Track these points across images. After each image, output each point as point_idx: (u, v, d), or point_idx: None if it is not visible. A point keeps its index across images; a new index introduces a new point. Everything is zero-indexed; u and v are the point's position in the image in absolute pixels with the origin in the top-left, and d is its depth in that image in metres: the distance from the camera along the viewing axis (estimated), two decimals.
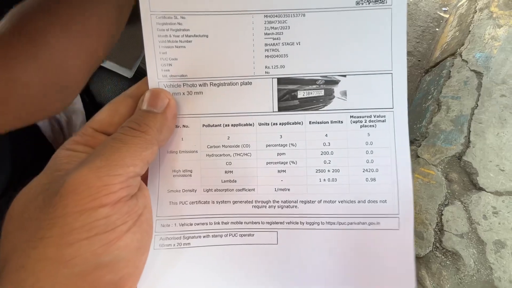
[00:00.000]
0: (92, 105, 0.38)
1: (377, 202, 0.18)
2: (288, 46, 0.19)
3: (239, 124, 0.19)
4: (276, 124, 0.19)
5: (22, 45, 0.20)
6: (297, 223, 0.19)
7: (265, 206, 0.19)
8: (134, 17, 0.33)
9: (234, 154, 0.19)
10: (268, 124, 0.19)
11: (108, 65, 0.33)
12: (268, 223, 0.19)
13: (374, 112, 0.19)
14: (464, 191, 0.62)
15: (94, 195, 0.14)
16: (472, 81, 0.74)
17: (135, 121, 0.16)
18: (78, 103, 0.35)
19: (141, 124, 0.16)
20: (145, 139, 0.16)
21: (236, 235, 0.19)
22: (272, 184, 0.19)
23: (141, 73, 0.38)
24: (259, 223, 0.19)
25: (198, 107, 0.19)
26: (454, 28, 0.94)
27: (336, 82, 0.19)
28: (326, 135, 0.19)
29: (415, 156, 0.72)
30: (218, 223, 0.19)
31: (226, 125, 0.19)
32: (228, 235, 0.19)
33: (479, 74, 0.74)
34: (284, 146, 0.19)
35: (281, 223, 0.19)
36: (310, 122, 0.19)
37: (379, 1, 0.18)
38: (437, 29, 1.07)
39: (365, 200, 0.18)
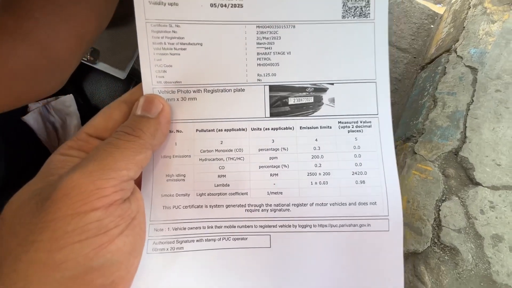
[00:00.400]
0: (86, 107, 0.38)
1: (367, 204, 0.19)
2: (279, 55, 0.20)
3: (232, 129, 0.19)
4: (268, 129, 0.20)
5: (10, 22, 0.20)
6: (289, 226, 0.19)
7: (258, 210, 0.19)
8: (127, 18, 0.33)
9: (227, 158, 0.19)
10: (261, 129, 0.20)
11: (101, 66, 0.33)
12: (261, 226, 0.19)
13: (361, 118, 0.20)
14: (461, 186, 0.62)
15: (87, 198, 0.14)
16: (467, 77, 0.74)
17: (129, 125, 0.17)
18: (72, 106, 0.35)
19: (135, 129, 0.16)
20: (138, 144, 0.16)
21: (229, 239, 0.19)
22: (264, 188, 0.19)
23: (134, 74, 0.38)
24: (252, 227, 0.19)
25: (192, 112, 0.19)
26: (448, 24, 0.94)
27: (324, 90, 0.20)
28: (316, 140, 0.20)
29: (412, 153, 0.72)
30: (212, 227, 0.19)
31: (219, 130, 0.19)
32: (221, 239, 0.19)
33: (474, 70, 0.74)
34: (276, 150, 0.19)
35: (274, 226, 0.19)
36: (300, 127, 0.20)
37: (363, 15, 0.20)
38: (432, 26, 1.08)
39: (355, 203, 0.19)
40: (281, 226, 0.19)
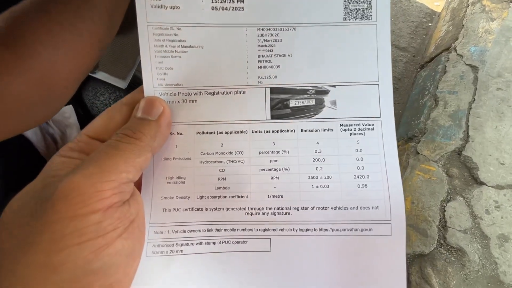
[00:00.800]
0: (86, 117, 0.37)
1: (369, 209, 0.19)
2: (280, 58, 0.19)
3: (233, 132, 0.19)
4: (269, 132, 0.19)
5: (9, 57, 0.20)
6: (290, 230, 0.19)
7: (258, 213, 0.19)
8: (128, 27, 0.32)
9: (228, 161, 0.19)
10: (261, 132, 0.19)
11: (102, 76, 0.32)
12: (261, 230, 0.19)
13: (363, 121, 0.19)
14: (465, 186, 0.62)
15: (86, 201, 0.14)
16: (468, 75, 0.74)
17: (129, 128, 0.17)
18: (72, 117, 0.34)
19: (135, 131, 0.16)
20: (139, 146, 0.16)
21: (229, 242, 0.19)
22: (265, 191, 0.19)
23: (135, 83, 0.37)
24: (252, 230, 0.19)
25: (192, 115, 0.19)
26: (447, 22, 0.94)
27: (326, 92, 0.20)
28: (318, 143, 0.19)
29: (415, 153, 0.72)
30: (211, 230, 0.19)
31: (219, 133, 0.19)
32: (221, 242, 0.19)
33: (474, 68, 0.74)
34: (277, 153, 0.19)
35: (274, 230, 0.19)
36: (302, 130, 0.19)
37: (365, 17, 0.19)
38: (430, 24, 1.07)
39: (357, 207, 0.19)
40: (281, 230, 0.19)
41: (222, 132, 0.19)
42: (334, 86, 0.20)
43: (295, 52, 0.19)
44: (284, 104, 0.19)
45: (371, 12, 0.19)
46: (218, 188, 0.19)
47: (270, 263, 0.18)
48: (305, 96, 0.20)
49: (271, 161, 0.19)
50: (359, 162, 0.19)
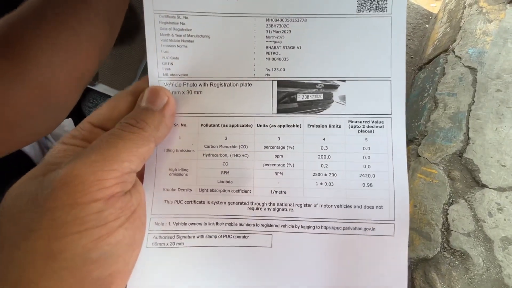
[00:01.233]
0: None
1: (373, 208, 0.18)
2: (289, 50, 0.19)
3: (238, 125, 0.19)
4: (275, 126, 0.19)
5: (7, 65, 0.19)
6: (292, 226, 0.19)
7: (261, 208, 0.19)
8: (128, 39, 0.32)
9: (231, 155, 0.19)
10: (267, 126, 0.19)
11: (101, 88, 0.31)
12: (263, 225, 0.19)
13: (372, 118, 0.19)
14: (467, 188, 0.62)
15: (87, 189, 0.13)
16: (467, 77, 0.74)
17: (133, 117, 0.16)
18: (70, 129, 0.33)
19: (139, 121, 0.16)
20: (142, 136, 0.16)
21: (230, 236, 0.18)
22: (268, 186, 0.19)
23: None
24: (254, 225, 0.19)
25: (197, 106, 0.19)
26: (444, 24, 0.94)
27: (335, 87, 0.19)
28: (324, 139, 0.19)
29: (416, 156, 0.72)
30: (213, 223, 0.18)
31: (224, 125, 0.19)
32: (222, 236, 0.18)
33: (473, 70, 0.74)
34: (281, 148, 0.19)
35: (276, 226, 0.19)
36: (308, 125, 0.19)
37: (379, 9, 0.19)
38: (427, 26, 1.08)
39: (361, 206, 0.18)
40: (283, 226, 0.19)
41: (226, 125, 0.19)
42: (344, 80, 0.19)
43: (304, 44, 0.19)
44: (291, 98, 0.19)
45: (386, 3, 0.19)
46: (220, 182, 0.19)
47: (271, 259, 0.18)
48: (313, 90, 0.19)
49: (275, 156, 0.19)
50: (366, 160, 0.19)
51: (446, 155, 0.67)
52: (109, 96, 0.32)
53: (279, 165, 0.19)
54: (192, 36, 0.19)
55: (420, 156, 0.70)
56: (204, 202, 0.18)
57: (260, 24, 0.19)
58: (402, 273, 0.18)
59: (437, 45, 0.91)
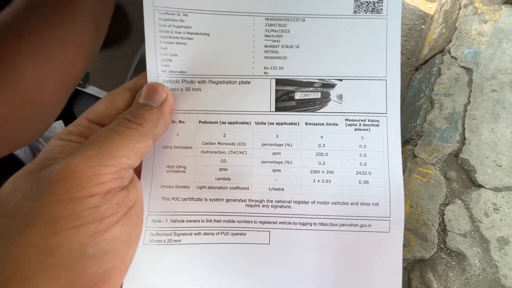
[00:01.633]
0: None
1: (369, 205, 0.19)
2: (287, 49, 0.19)
3: (236, 122, 0.19)
4: (273, 124, 0.19)
5: None
6: (290, 223, 0.19)
7: (259, 206, 0.19)
8: (118, 41, 0.32)
9: (230, 152, 0.19)
10: (265, 123, 0.19)
11: (92, 90, 0.31)
12: (261, 222, 0.19)
13: (368, 116, 0.19)
14: (463, 189, 0.62)
15: (84, 184, 0.13)
16: (462, 78, 0.74)
17: (131, 113, 0.16)
18: None
19: (137, 117, 0.16)
20: (140, 132, 0.16)
21: (228, 233, 0.18)
22: (266, 183, 0.19)
23: None
24: (251, 222, 0.19)
25: (195, 103, 0.19)
26: (440, 25, 0.95)
27: (332, 86, 0.19)
28: (321, 137, 0.19)
29: (412, 156, 0.72)
30: (210, 221, 0.18)
31: (222, 123, 0.19)
32: (220, 234, 0.18)
33: (469, 70, 0.75)
34: (279, 146, 0.19)
35: (274, 223, 0.19)
36: (306, 123, 0.19)
37: (375, 11, 0.19)
38: (423, 27, 1.08)
39: (357, 203, 0.19)
40: (281, 223, 0.19)
41: (225, 122, 0.19)
42: (341, 80, 0.19)
43: (302, 44, 0.19)
44: (289, 96, 0.19)
45: (382, 6, 0.19)
46: (218, 179, 0.19)
47: (269, 256, 0.18)
48: (311, 89, 0.19)
49: (273, 153, 0.19)
50: (362, 158, 0.19)
51: (442, 155, 0.67)
52: (99, 99, 0.32)
53: (277, 162, 0.19)
54: (191, 33, 0.19)
55: (416, 156, 0.70)
56: (202, 199, 0.18)
57: (259, 23, 0.19)
58: (397, 268, 0.18)
59: (433, 46, 0.91)
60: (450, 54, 0.80)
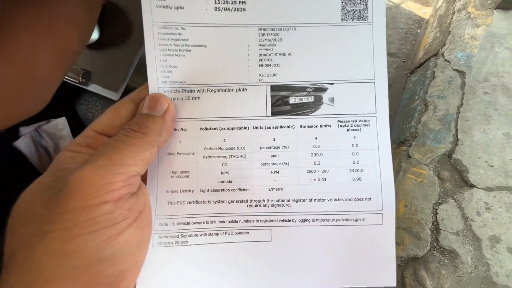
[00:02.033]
0: (79, 129, 0.37)
1: (362, 200, 0.20)
2: (280, 56, 0.20)
3: (235, 128, 0.20)
4: (270, 128, 0.20)
5: None
6: (289, 220, 0.20)
7: (260, 205, 0.20)
8: (120, 40, 0.33)
9: (230, 156, 0.20)
10: (262, 128, 0.20)
11: (94, 88, 0.32)
12: (262, 221, 0.20)
13: (359, 117, 0.20)
14: (456, 188, 0.63)
15: (97, 192, 0.14)
16: (455, 80, 0.76)
17: (136, 123, 0.17)
18: (65, 129, 0.34)
19: (142, 126, 0.17)
20: (145, 141, 0.17)
21: (231, 233, 0.19)
22: (266, 184, 0.20)
23: (129, 92, 0.37)
24: (253, 221, 0.20)
25: (195, 111, 0.20)
26: (434, 29, 0.97)
27: (324, 90, 0.20)
28: (316, 138, 0.20)
29: (406, 157, 0.73)
30: (215, 222, 0.19)
31: (222, 129, 0.20)
32: (224, 233, 0.19)
33: (462, 73, 0.76)
34: (277, 148, 0.20)
35: (274, 221, 0.20)
36: (301, 126, 0.20)
37: (361, 18, 0.20)
38: (418, 31, 1.10)
39: (352, 198, 0.20)
40: (281, 221, 0.20)
41: (224, 128, 0.20)
42: (332, 83, 0.20)
43: (294, 51, 0.20)
44: (284, 101, 0.20)
45: (367, 13, 0.20)
46: (221, 182, 0.20)
47: (271, 252, 0.19)
48: (304, 93, 0.20)
49: (271, 156, 0.20)
50: (355, 156, 0.20)
51: (435, 156, 0.68)
52: (102, 96, 0.33)
53: (275, 164, 0.20)
54: (189, 45, 0.19)
55: (410, 157, 0.72)
56: (205, 201, 0.19)
57: (253, 33, 0.20)
58: (391, 258, 0.19)
59: (427, 50, 0.93)
60: (444, 58, 0.82)
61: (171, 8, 0.19)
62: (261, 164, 0.20)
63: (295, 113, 0.20)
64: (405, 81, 0.97)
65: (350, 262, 0.19)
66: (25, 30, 0.21)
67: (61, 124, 0.34)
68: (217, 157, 0.20)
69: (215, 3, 0.19)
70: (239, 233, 0.19)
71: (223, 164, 0.20)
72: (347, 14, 0.20)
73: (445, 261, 0.57)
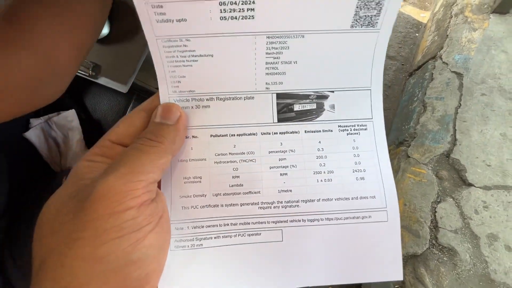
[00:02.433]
0: (88, 121, 0.38)
1: (367, 198, 0.21)
2: (286, 65, 0.21)
3: (244, 134, 0.21)
4: (277, 133, 0.21)
5: (13, 32, 0.21)
6: (299, 220, 0.20)
7: (270, 207, 0.20)
8: (128, 35, 0.34)
9: (240, 161, 0.20)
10: (270, 134, 0.21)
11: (103, 81, 0.33)
12: (273, 222, 0.20)
13: (358, 122, 0.21)
14: (454, 187, 0.64)
15: (122, 199, 0.15)
16: (453, 82, 0.78)
17: (151, 132, 0.18)
18: (75, 121, 0.35)
19: (157, 135, 0.18)
20: (161, 149, 0.17)
21: (244, 234, 0.20)
22: (275, 187, 0.20)
23: (135, 88, 0.38)
24: (265, 223, 0.20)
25: (206, 119, 0.20)
26: (432, 33, 0.98)
27: (326, 97, 0.21)
28: (320, 142, 0.21)
29: (406, 156, 0.74)
30: (228, 224, 0.20)
31: (232, 135, 0.21)
32: (237, 235, 0.20)
33: (459, 75, 0.78)
34: (284, 152, 0.21)
35: (285, 221, 0.20)
36: (305, 131, 0.21)
37: (370, 25, 0.20)
38: (417, 34, 1.12)
39: (357, 197, 0.21)
40: (291, 221, 0.20)
41: (234, 135, 0.21)
42: (332, 91, 0.21)
43: (300, 59, 0.21)
44: (289, 108, 0.21)
45: (378, 19, 0.20)
46: (232, 186, 0.20)
47: (283, 252, 0.20)
48: (307, 100, 0.21)
49: (279, 159, 0.21)
50: (356, 158, 0.21)
51: (434, 155, 0.69)
52: (110, 89, 0.34)
53: (284, 167, 0.21)
54: (195, 56, 0.20)
55: (409, 157, 0.73)
56: (218, 205, 0.20)
57: (260, 41, 0.20)
58: (398, 253, 0.20)
59: (426, 53, 0.95)
60: (442, 60, 0.83)
61: (173, 22, 0.19)
62: (270, 168, 0.20)
63: (300, 119, 0.21)
64: (404, 83, 0.99)
65: (358, 258, 0.20)
66: (47, 23, 0.22)
67: (70, 116, 0.35)
68: (228, 162, 0.20)
69: (221, 12, 0.19)
70: (251, 234, 0.20)
71: (234, 169, 0.20)
72: (358, 20, 0.20)
73: (444, 258, 0.57)
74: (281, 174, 0.20)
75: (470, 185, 0.63)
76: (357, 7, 0.19)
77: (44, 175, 0.35)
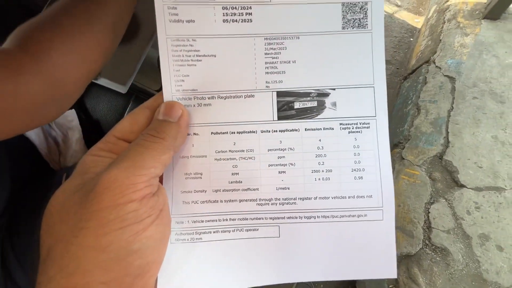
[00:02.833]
0: (88, 121, 0.39)
1: (364, 197, 0.21)
2: (285, 64, 0.21)
3: (244, 132, 0.21)
4: (276, 131, 0.21)
5: (28, 61, 0.22)
6: (296, 217, 0.21)
7: (268, 204, 0.21)
8: (128, 37, 0.35)
9: (240, 158, 0.21)
10: (269, 131, 0.21)
11: (103, 82, 0.34)
12: (271, 218, 0.21)
13: (360, 120, 0.21)
14: (447, 188, 0.65)
15: (124, 191, 0.16)
16: (446, 86, 0.79)
17: (154, 129, 0.19)
18: (74, 120, 0.36)
19: (160, 132, 0.18)
20: (163, 145, 0.18)
21: (242, 230, 0.21)
22: (273, 184, 0.21)
23: (134, 89, 0.39)
24: (262, 219, 0.21)
25: (207, 117, 0.21)
26: (426, 37, 1.01)
27: (327, 95, 0.21)
28: (320, 140, 0.21)
29: (400, 158, 0.75)
30: (226, 219, 0.21)
31: (232, 133, 0.21)
32: (235, 230, 0.21)
33: (452, 79, 0.79)
34: (283, 150, 0.21)
35: (282, 218, 0.21)
36: (305, 129, 0.21)
37: (361, 26, 0.21)
38: (411, 39, 1.14)
39: (354, 196, 0.21)
40: (288, 218, 0.21)
41: (234, 132, 0.21)
42: (334, 89, 0.21)
43: (298, 59, 0.21)
44: (289, 106, 0.21)
45: (366, 21, 0.21)
46: (231, 182, 0.21)
47: (279, 248, 0.21)
48: (308, 98, 0.21)
49: (278, 157, 0.21)
50: (356, 157, 0.21)
51: (427, 157, 0.70)
52: (109, 89, 0.35)
53: (282, 165, 0.21)
54: (200, 55, 0.21)
55: (404, 158, 0.74)
56: (217, 201, 0.21)
57: (259, 43, 0.21)
58: (392, 251, 0.20)
59: (420, 57, 0.97)
60: (435, 64, 0.85)
61: (183, 22, 0.20)
62: (269, 165, 0.21)
63: (300, 117, 0.21)
64: (398, 87, 1.01)
65: (353, 256, 0.20)
66: (61, 54, 0.23)
67: (70, 115, 0.36)
68: (228, 159, 0.21)
69: (224, 15, 0.21)
70: (249, 230, 0.21)
71: (234, 166, 0.21)
72: (348, 23, 0.21)
73: (437, 258, 0.58)
74: (279, 172, 0.21)
75: (462, 186, 0.64)
76: (343, 12, 0.21)
77: (43, 173, 0.35)
